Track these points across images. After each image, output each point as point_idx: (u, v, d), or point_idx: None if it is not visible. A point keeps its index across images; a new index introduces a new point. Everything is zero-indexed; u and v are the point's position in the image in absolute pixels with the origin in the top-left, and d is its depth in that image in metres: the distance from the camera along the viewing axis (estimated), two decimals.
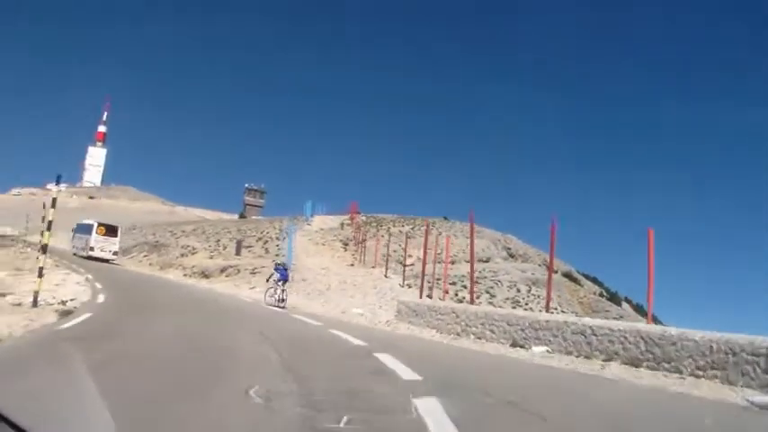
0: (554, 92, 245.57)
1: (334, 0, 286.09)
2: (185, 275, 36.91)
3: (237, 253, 39.91)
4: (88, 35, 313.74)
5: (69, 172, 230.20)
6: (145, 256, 47.49)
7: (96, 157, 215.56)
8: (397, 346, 10.59)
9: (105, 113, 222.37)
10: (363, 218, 57.01)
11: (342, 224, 54.71)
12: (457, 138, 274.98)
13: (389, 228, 50.94)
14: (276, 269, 22.17)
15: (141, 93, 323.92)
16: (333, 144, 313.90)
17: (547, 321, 11.36)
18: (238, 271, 35.15)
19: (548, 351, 10.75)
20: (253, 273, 33.89)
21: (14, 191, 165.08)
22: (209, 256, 41.76)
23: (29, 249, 36.18)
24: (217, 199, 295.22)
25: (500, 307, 28.95)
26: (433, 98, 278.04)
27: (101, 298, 16.41)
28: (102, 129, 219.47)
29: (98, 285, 20.30)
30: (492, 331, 12.72)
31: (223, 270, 35.86)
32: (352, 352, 9.80)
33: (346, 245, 46.26)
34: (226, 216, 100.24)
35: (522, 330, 11.83)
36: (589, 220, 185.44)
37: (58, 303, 13.56)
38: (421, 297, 22.91)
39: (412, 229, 49.95)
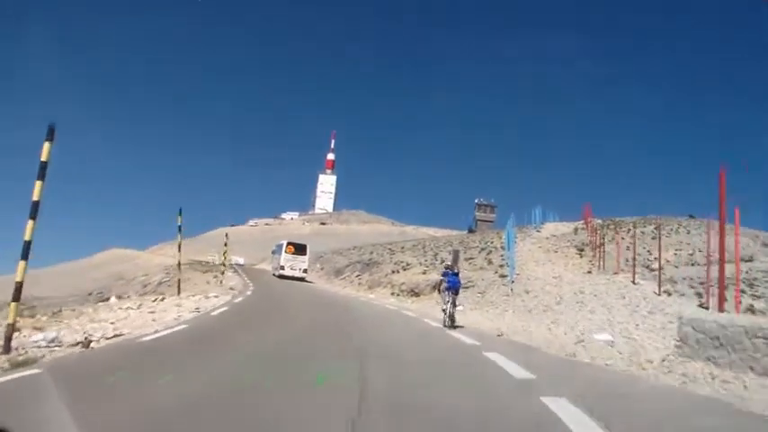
0: None
1: None
2: (392, 294, 32.52)
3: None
4: (313, 71, 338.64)
5: (302, 201, 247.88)
6: (357, 275, 44.39)
7: (327, 184, 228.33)
8: None
9: (333, 141, 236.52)
10: (599, 221, 49.10)
11: (575, 229, 47.23)
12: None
13: (629, 229, 42.58)
14: (444, 274, 16.65)
15: (366, 117, 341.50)
16: (561, 149, 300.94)
17: None
18: None
19: None
20: (465, 287, 28.32)
21: (251, 222, 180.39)
22: (422, 271, 37.04)
23: (226, 273, 38.15)
24: (447, 217, 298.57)
25: None
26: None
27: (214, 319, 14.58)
28: (330, 156, 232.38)
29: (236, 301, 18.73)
30: None
31: (435, 286, 30.88)
32: None
33: (581, 250, 38.64)
34: (455, 233, 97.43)
35: None
36: None
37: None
38: (721, 309, 14.07)
39: (654, 229, 41.08)
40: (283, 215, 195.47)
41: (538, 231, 48.30)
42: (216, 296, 22.77)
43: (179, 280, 25.77)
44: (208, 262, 56.30)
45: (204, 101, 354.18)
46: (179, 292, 23.58)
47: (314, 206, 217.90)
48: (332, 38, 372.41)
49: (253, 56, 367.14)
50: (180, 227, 22.75)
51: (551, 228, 50.10)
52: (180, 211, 22.56)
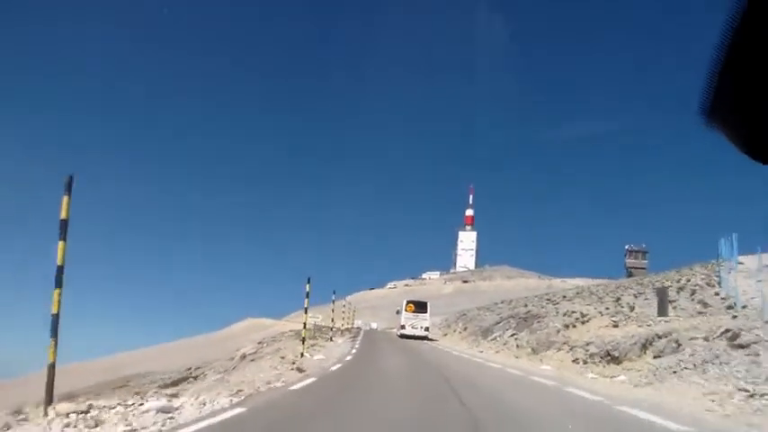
0: None
1: None
2: (576, 360, 20.58)
3: (662, 312, 22.28)
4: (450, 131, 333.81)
5: (443, 260, 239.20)
6: (513, 335, 32.55)
7: (467, 241, 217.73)
8: None
9: (471, 196, 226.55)
10: None
11: None
12: None
13: None
14: None
15: (504, 169, 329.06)
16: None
17: None
18: (678, 344, 17.55)
19: None
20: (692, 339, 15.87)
21: (390, 285, 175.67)
22: (612, 323, 24.75)
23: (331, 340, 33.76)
24: (595, 267, 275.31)
25: None
26: None
27: None
28: (469, 212, 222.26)
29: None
30: None
31: (647, 345, 18.61)
32: None
33: None
34: (609, 282, 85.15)
35: None
36: None
37: None
38: None
39: None
40: (424, 275, 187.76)
41: (741, 263, 34.28)
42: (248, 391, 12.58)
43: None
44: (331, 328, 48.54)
45: (340, 163, 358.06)
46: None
47: (455, 264, 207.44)
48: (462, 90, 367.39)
49: (379, 110, 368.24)
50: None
51: (752, 260, 35.69)
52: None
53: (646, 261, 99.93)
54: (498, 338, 33.84)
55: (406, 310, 41.68)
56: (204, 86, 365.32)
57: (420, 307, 42.33)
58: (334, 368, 17.06)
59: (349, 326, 60.53)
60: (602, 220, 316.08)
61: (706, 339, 16.12)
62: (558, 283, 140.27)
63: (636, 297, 30.31)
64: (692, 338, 16.74)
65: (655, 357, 17.62)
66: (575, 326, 26.41)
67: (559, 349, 23.34)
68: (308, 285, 22.36)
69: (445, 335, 49.29)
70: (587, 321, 26.79)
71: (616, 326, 24.10)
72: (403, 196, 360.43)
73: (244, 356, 32.03)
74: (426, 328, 41.24)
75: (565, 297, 39.51)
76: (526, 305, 41.78)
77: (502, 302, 54.03)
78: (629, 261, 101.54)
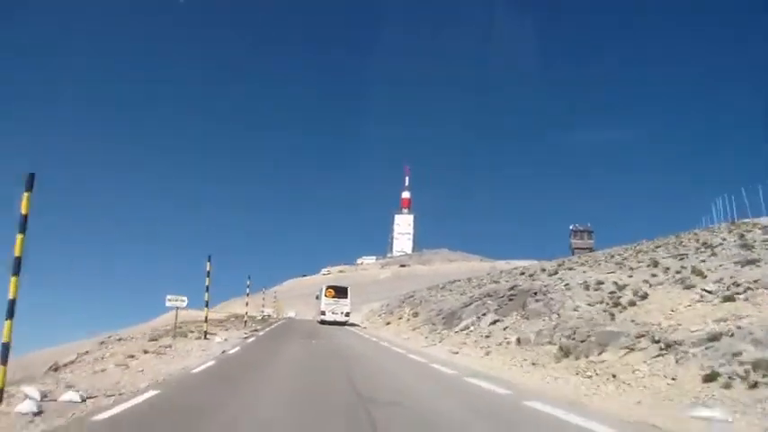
0: None
1: None
2: (709, 379, 8.95)
3: None
4: (383, 101, 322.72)
5: (378, 244, 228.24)
6: (495, 322, 20.87)
7: (404, 224, 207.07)
8: None
9: (407, 178, 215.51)
10: None
11: None
12: None
13: None
14: None
15: (436, 151, 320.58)
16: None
17: None
18: None
19: None
20: None
21: (324, 270, 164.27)
22: (701, 298, 13.34)
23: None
24: (538, 250, 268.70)
25: None
26: None
27: None
28: (406, 195, 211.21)
29: None
30: None
31: None
32: None
33: None
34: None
35: None
36: None
37: None
38: None
39: None
40: (359, 260, 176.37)
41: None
42: None
43: None
44: (254, 317, 45.31)
45: (259, 141, 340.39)
46: None
47: (391, 249, 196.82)
48: (395, 67, 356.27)
49: (311, 86, 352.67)
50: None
51: None
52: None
53: (592, 241, 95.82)
54: (473, 328, 22.00)
55: (326, 296, 40.04)
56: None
57: (340, 292, 40.79)
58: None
59: (266, 316, 54.73)
60: (543, 200, 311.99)
61: None
62: (502, 264, 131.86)
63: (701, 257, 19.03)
64: None
65: None
66: (633, 304, 14.71)
67: (631, 349, 11.55)
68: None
69: (388, 324, 37.36)
70: (644, 297, 15.20)
71: (731, 300, 12.61)
72: (337, 177, 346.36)
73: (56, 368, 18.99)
74: (347, 314, 39.86)
75: (562, 266, 28.08)
76: (500, 281, 30.19)
77: (457, 281, 42.75)
78: (575, 242, 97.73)
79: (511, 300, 22.92)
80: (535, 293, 21.51)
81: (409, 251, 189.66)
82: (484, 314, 23.38)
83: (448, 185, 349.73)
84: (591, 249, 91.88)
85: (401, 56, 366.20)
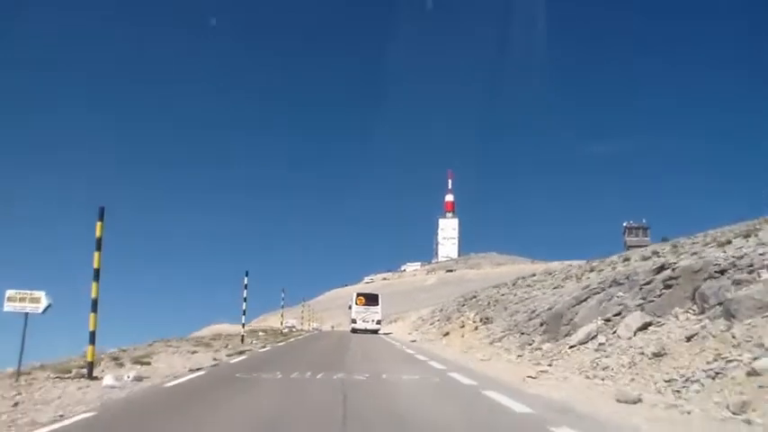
0: None
1: None
2: None
3: None
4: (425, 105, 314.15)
5: (422, 250, 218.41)
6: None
7: (448, 229, 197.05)
8: None
9: (450, 181, 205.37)
10: None
11: None
12: None
13: None
14: None
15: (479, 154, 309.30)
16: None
17: None
18: None
19: None
20: None
21: (366, 279, 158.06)
22: None
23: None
24: (590, 249, 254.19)
25: None
26: None
27: None
28: (449, 198, 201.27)
29: None
30: None
31: None
32: None
33: None
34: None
35: None
36: None
37: None
38: None
39: None
40: (403, 267, 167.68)
41: None
42: None
43: None
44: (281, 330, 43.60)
45: (303, 151, 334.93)
46: None
47: (437, 254, 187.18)
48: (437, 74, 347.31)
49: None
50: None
51: None
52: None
53: (647, 238, 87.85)
54: (604, 339, 12.29)
55: (356, 304, 40.58)
56: None
57: (370, 299, 41.32)
58: None
59: (290, 328, 52.80)
60: (595, 198, 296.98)
61: None
62: (556, 265, 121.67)
63: None
64: None
65: None
66: None
67: None
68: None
69: (446, 335, 27.17)
70: None
71: None
72: (379, 183, 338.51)
73: None
74: (378, 321, 40.07)
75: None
76: (630, 261, 20.35)
77: (532, 275, 33.76)
78: (630, 239, 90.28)
79: (668, 287, 13.24)
80: (722, 272, 11.91)
81: (455, 256, 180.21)
82: (618, 314, 13.72)
83: (491, 188, 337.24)
84: (647, 247, 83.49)
85: (444, 58, 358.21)
